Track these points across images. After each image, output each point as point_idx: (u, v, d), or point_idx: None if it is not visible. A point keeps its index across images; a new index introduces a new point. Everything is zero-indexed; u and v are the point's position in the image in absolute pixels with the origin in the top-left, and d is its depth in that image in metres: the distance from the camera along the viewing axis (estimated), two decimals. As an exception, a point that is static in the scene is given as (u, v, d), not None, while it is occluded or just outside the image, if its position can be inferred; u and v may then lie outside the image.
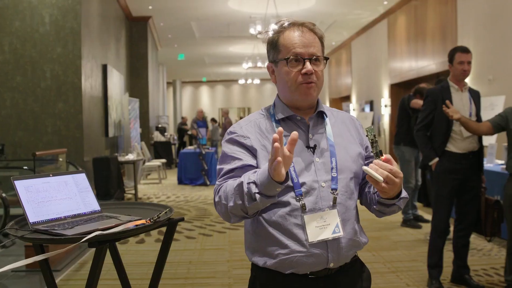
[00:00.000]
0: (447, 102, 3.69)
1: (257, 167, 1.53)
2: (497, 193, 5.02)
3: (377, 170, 1.40)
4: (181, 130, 16.36)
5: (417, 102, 5.95)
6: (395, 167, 1.42)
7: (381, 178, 1.39)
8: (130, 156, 8.90)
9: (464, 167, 3.81)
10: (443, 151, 3.85)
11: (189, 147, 12.37)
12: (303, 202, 1.50)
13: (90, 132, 7.95)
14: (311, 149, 1.57)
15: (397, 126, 6.33)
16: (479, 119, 3.90)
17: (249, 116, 1.68)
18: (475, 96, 3.96)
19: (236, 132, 1.60)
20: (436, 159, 3.87)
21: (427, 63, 10.47)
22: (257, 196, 1.38)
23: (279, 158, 1.26)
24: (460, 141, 3.81)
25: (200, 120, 13.86)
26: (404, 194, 1.55)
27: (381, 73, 13.80)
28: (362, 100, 15.89)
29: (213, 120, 18.03)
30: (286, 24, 1.61)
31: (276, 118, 1.62)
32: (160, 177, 11.23)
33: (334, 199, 1.53)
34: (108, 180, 7.68)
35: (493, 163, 5.86)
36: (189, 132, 14.98)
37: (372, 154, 1.54)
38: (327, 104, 20.83)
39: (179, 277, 4.34)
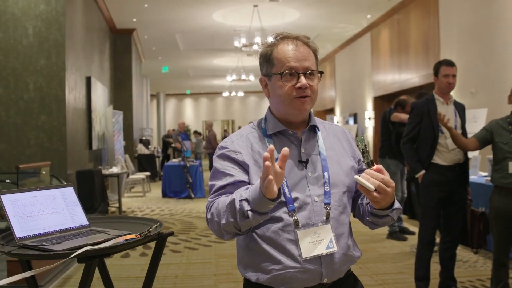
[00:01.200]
0: (439, 111, 3.74)
1: (249, 183, 1.51)
2: (482, 205, 5.07)
3: (368, 179, 1.39)
4: (165, 143, 16.28)
5: (398, 116, 6.01)
6: (387, 176, 1.41)
7: (372, 187, 1.38)
8: (114, 169, 8.82)
9: (450, 179, 3.84)
10: (429, 163, 3.88)
11: (174, 160, 12.30)
12: (296, 218, 1.49)
13: (74, 145, 7.86)
14: (304, 163, 1.55)
15: (381, 139, 6.36)
16: (464, 131, 3.95)
17: (241, 130, 1.66)
18: (460, 109, 4.01)
19: (228, 147, 1.58)
20: (423, 172, 3.90)
21: (410, 76, 10.59)
22: (250, 213, 1.36)
23: (271, 177, 1.25)
24: (446, 153, 3.84)
25: (182, 133, 13.81)
26: (397, 205, 1.54)
27: (365, 86, 13.91)
28: (346, 112, 15.99)
29: (197, 132, 17.98)
30: (280, 37, 1.59)
31: (268, 133, 1.60)
32: (144, 190, 11.13)
33: (328, 214, 1.51)
34: (92, 193, 7.59)
35: (477, 175, 5.91)
36: (173, 145, 14.92)
37: (364, 166, 1.53)
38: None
39: (165, 292, 4.29)
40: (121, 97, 13.03)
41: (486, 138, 3.68)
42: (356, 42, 14.62)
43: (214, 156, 1.61)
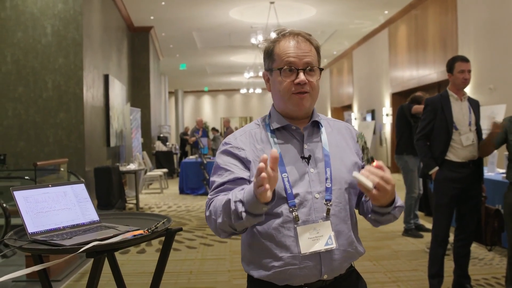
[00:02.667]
0: (492, 117, 3.73)
1: (249, 180, 1.53)
2: (498, 202, 5.01)
3: (368, 176, 1.37)
4: (182, 140, 16.38)
5: (419, 107, 5.93)
6: (388, 174, 1.39)
7: (371, 185, 1.36)
8: (132, 166, 8.92)
9: (464, 176, 3.82)
10: (443, 160, 3.86)
11: (191, 157, 12.38)
12: (296, 214, 1.49)
13: (92, 142, 7.97)
14: (306, 159, 1.56)
15: (397, 136, 6.30)
16: (478, 128, 3.91)
17: (245, 126, 1.68)
18: (474, 105, 3.97)
19: (231, 143, 1.60)
20: (436, 168, 3.88)
21: (428, 72, 10.49)
22: (244, 214, 1.37)
23: (267, 186, 1.25)
24: (460, 150, 3.81)
25: (200, 129, 13.88)
26: (399, 203, 1.53)
27: (383, 82, 13.82)
28: (363, 109, 15.91)
29: (214, 129, 18.05)
30: (282, 33, 1.61)
31: (271, 128, 1.61)
32: (162, 187, 11.23)
33: (328, 211, 1.52)
34: (110, 190, 7.69)
35: (494, 171, 5.85)
36: (189, 141, 15.03)
37: (364, 163, 1.52)
38: (329, 113, 20.85)
39: (180, 287, 4.33)
40: (139, 95, 13.16)
41: (501, 137, 3.66)
42: (373, 38, 14.53)
43: (217, 152, 1.63)
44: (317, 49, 1.62)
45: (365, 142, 1.43)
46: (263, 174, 1.24)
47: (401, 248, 5.50)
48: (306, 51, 1.57)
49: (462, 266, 3.96)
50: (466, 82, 3.86)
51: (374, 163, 1.40)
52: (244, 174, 1.54)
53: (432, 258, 3.93)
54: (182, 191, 10.67)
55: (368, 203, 1.59)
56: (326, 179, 1.54)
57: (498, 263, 4.76)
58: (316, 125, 1.64)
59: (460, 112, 3.85)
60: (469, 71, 3.85)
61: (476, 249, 5.12)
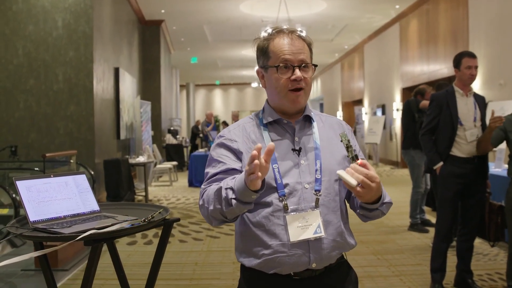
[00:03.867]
0: (493, 111, 3.73)
1: (241, 170, 1.58)
2: (504, 198, 4.99)
3: (352, 174, 1.39)
4: (193, 133, 16.46)
5: (427, 103, 5.93)
6: (372, 172, 1.41)
7: (354, 182, 1.38)
8: (141, 159, 8.99)
9: (468, 171, 3.82)
10: (447, 155, 3.87)
11: (200, 150, 12.44)
12: (285, 203, 1.54)
13: (102, 135, 8.06)
14: (297, 151, 1.61)
15: (404, 131, 6.30)
16: (483, 124, 3.91)
17: (239, 120, 1.74)
18: (480, 101, 3.97)
19: (225, 135, 1.67)
20: (441, 163, 3.89)
21: (439, 67, 10.44)
22: (233, 201, 1.42)
23: (259, 174, 1.30)
24: (464, 145, 3.82)
25: (210, 123, 13.94)
26: (387, 199, 1.56)
27: (393, 77, 13.77)
28: (374, 103, 15.86)
29: (225, 123, 18.11)
30: (276, 30, 1.65)
31: (264, 122, 1.66)
32: (171, 179, 11.31)
33: (317, 200, 1.56)
34: (119, 182, 7.77)
35: (502, 167, 5.82)
36: (200, 135, 15.08)
37: (349, 161, 1.53)
38: (340, 108, 20.80)
39: (185, 278, 4.39)
40: (149, 88, 13.23)
41: (501, 135, 3.66)
42: (384, 32, 14.46)
43: (212, 145, 1.69)
44: (310, 46, 1.67)
45: (348, 141, 1.45)
46: (256, 162, 1.29)
47: (406, 242, 5.51)
48: (300, 48, 1.61)
49: (465, 261, 3.97)
50: (472, 78, 3.85)
51: (359, 161, 1.42)
52: (236, 165, 1.60)
53: (435, 253, 3.95)
54: (191, 183, 10.75)
55: (356, 199, 1.61)
56: (316, 170, 1.58)
57: (503, 259, 4.75)
58: (308, 120, 1.69)
59: (465, 107, 3.86)
60: (476, 67, 3.85)
61: (480, 244, 5.12)
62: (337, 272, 1.64)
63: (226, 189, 1.45)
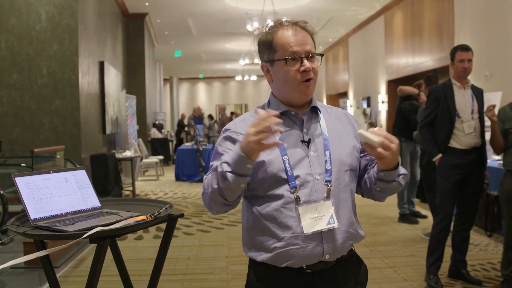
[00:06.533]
0: (490, 105, 3.75)
1: None
2: (495, 188, 5.04)
3: (374, 133, 1.45)
4: (179, 127, 16.36)
5: (407, 89, 6.07)
6: (390, 135, 1.47)
7: (376, 139, 1.42)
8: (128, 153, 8.91)
9: (467, 162, 3.85)
10: (446, 147, 3.88)
11: (186, 144, 12.37)
12: (297, 195, 1.53)
13: (88, 129, 7.94)
14: (306, 143, 1.60)
15: (394, 121, 6.36)
16: (481, 116, 3.93)
17: (244, 114, 1.72)
18: (477, 93, 3.98)
19: (230, 128, 1.65)
20: (440, 155, 3.91)
21: (424, 59, 10.48)
22: (229, 175, 1.42)
23: (275, 142, 1.37)
24: (462, 137, 3.85)
25: (197, 118, 13.85)
26: (403, 170, 1.59)
27: (378, 69, 13.81)
28: (359, 96, 15.90)
29: (210, 116, 18.02)
30: (278, 23, 1.63)
31: None
32: (158, 174, 11.23)
33: (328, 191, 1.55)
34: (106, 177, 7.68)
35: (491, 158, 5.88)
36: (186, 129, 14.99)
37: (366, 127, 1.56)
38: (324, 101, 20.84)
39: (178, 273, 4.36)
40: (134, 82, 13.08)
41: (500, 128, 3.71)
42: (369, 25, 14.48)
43: (219, 138, 1.67)
44: (312, 36, 1.65)
45: (364, 109, 1.48)
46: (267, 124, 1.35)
47: (397, 234, 5.54)
48: (305, 39, 1.60)
49: (461, 251, 4.00)
50: (465, 71, 3.87)
51: (376, 128, 1.48)
52: None
53: (434, 244, 3.95)
54: (178, 178, 10.69)
55: (371, 177, 1.62)
56: (326, 161, 1.58)
57: (494, 249, 4.80)
58: (315, 111, 1.69)
59: (462, 100, 3.88)
60: (470, 60, 3.86)
61: (472, 235, 5.14)
62: (348, 264, 1.64)
63: (221, 163, 1.46)
